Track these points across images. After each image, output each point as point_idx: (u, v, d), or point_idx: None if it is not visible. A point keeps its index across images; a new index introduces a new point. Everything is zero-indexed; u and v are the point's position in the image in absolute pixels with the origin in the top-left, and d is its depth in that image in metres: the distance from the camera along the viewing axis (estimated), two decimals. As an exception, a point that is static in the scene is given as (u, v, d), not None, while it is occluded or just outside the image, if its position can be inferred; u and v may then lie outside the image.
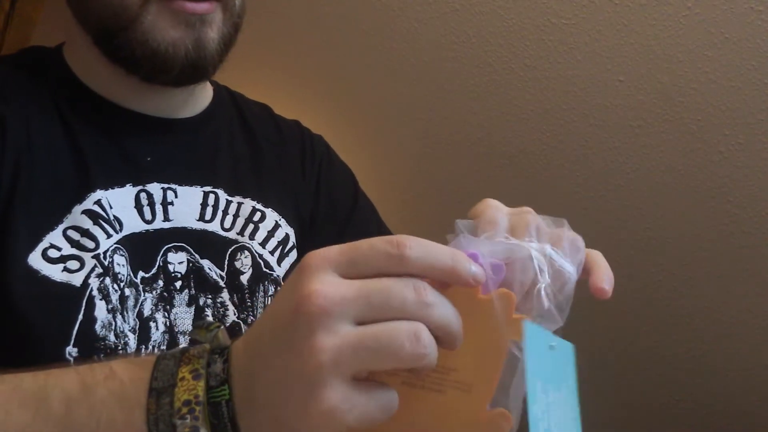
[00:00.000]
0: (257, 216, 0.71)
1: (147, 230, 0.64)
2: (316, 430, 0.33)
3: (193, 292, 0.64)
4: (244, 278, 0.67)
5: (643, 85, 1.33)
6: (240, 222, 0.70)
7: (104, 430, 0.36)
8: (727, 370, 1.62)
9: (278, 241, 0.71)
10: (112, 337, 0.58)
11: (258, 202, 0.71)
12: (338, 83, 1.74)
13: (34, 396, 0.38)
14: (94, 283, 0.58)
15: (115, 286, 0.60)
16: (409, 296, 0.33)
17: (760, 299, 1.49)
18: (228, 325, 0.65)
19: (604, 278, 0.43)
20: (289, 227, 0.73)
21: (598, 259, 0.44)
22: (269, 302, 0.67)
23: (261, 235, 0.70)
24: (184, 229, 0.66)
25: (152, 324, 0.61)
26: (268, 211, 0.72)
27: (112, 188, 0.63)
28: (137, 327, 0.60)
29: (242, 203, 0.71)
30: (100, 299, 0.58)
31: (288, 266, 0.71)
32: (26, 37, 1.74)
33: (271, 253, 0.70)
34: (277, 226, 0.72)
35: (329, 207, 0.78)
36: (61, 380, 0.39)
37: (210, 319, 0.64)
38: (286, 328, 0.33)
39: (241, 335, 0.38)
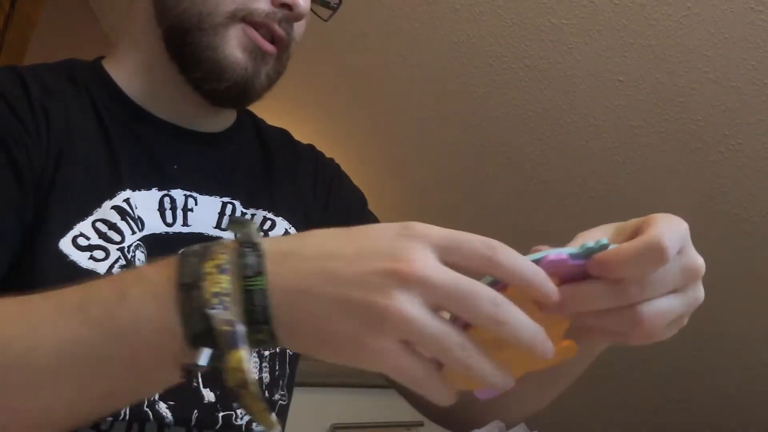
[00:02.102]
0: (267, 224, 0.74)
1: (167, 232, 0.67)
2: (354, 362, 0.37)
3: None
4: None
5: (643, 85, 1.33)
6: None
7: (144, 327, 0.39)
8: (727, 370, 1.62)
9: None
10: None
11: (269, 212, 0.75)
12: (336, 84, 1.74)
13: (77, 307, 0.41)
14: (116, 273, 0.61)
15: None
16: (485, 306, 0.35)
17: (760, 299, 1.49)
18: None
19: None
20: None
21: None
22: None
23: None
24: (201, 235, 0.69)
25: None
26: (279, 220, 0.75)
27: (139, 190, 0.67)
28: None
29: (255, 214, 0.74)
30: None
31: None
32: (26, 37, 1.74)
33: None
34: (286, 233, 0.75)
35: (336, 224, 0.79)
36: (97, 290, 0.42)
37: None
38: (371, 274, 0.36)
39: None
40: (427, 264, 0.36)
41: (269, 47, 0.69)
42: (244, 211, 0.74)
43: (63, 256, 0.59)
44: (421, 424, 1.73)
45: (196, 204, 0.70)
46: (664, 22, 1.23)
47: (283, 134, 0.87)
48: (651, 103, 1.35)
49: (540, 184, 1.61)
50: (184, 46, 0.68)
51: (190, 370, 0.37)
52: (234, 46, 0.67)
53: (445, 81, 1.55)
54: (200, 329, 0.37)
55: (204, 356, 0.37)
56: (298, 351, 0.40)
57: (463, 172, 1.71)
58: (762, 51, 1.19)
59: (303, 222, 0.77)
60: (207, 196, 0.71)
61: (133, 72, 0.72)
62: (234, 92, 0.69)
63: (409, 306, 0.35)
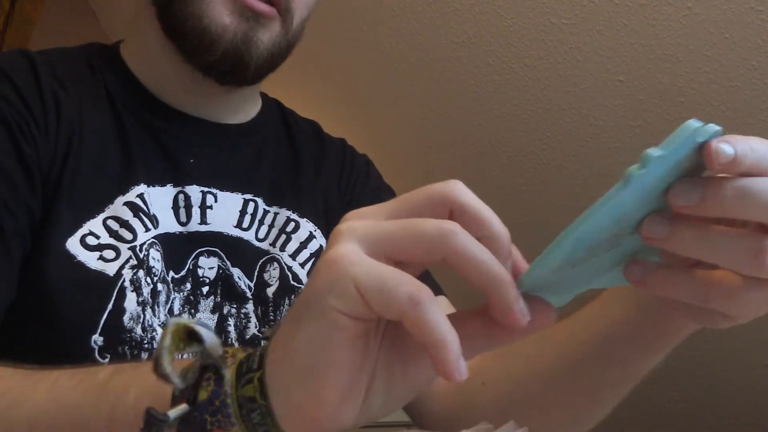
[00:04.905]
0: (291, 226, 0.71)
1: (181, 232, 0.64)
2: (324, 290, 0.30)
3: (218, 299, 0.64)
4: (270, 291, 0.67)
5: (643, 85, 1.33)
6: (273, 233, 0.70)
7: (135, 390, 0.36)
8: (727, 370, 1.62)
9: (311, 253, 0.70)
10: (139, 330, 0.58)
11: (293, 212, 0.72)
12: (336, 83, 1.74)
13: (87, 371, 0.40)
14: (127, 274, 0.58)
15: (148, 279, 0.60)
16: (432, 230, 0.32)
17: (760, 299, 1.49)
18: (248, 337, 0.64)
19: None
20: (324, 239, 0.72)
21: None
22: None
23: (292, 246, 0.70)
24: (220, 234, 0.66)
25: None
26: (303, 222, 0.71)
27: (154, 185, 0.64)
28: (167, 323, 0.61)
29: (278, 213, 0.71)
30: (132, 291, 0.58)
31: None
32: (26, 37, 1.74)
33: (302, 265, 0.69)
34: (311, 237, 0.71)
35: None
36: (120, 363, 0.40)
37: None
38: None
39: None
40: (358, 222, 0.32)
41: (262, 6, 0.63)
42: (267, 209, 0.70)
43: (70, 257, 0.57)
44: (421, 424, 1.74)
45: (215, 201, 0.67)
46: (664, 22, 1.23)
47: (313, 127, 0.82)
48: (651, 103, 1.35)
49: (540, 185, 1.61)
50: (172, 18, 0.64)
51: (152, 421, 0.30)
52: (220, 11, 0.62)
53: (445, 81, 1.55)
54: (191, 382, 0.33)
55: (177, 410, 0.31)
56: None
57: (463, 172, 1.71)
58: (762, 51, 1.19)
59: (326, 224, 0.74)
60: (228, 193, 0.68)
61: (142, 57, 0.69)
62: (229, 63, 0.63)
63: (354, 223, 0.32)
